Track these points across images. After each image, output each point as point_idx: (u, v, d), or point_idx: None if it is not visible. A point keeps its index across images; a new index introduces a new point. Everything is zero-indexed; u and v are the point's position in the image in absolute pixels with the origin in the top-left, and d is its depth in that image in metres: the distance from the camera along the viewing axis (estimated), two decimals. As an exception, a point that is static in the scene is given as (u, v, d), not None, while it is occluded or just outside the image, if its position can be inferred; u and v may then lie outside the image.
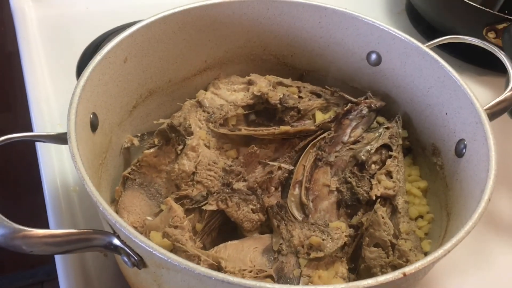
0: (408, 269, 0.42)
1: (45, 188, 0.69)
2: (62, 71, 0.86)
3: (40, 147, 0.72)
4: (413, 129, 0.70)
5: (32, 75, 0.85)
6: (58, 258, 0.62)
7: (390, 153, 0.66)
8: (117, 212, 0.63)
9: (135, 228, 0.61)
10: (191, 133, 0.66)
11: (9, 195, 1.59)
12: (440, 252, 0.43)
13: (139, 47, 0.65)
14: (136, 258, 0.45)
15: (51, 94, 0.82)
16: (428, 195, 0.67)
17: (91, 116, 0.57)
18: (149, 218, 0.62)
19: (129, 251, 0.45)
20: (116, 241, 0.46)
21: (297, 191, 0.63)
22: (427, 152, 0.68)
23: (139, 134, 0.69)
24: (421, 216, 0.65)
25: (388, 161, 0.65)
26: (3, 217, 0.43)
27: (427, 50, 0.65)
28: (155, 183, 0.65)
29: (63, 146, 0.52)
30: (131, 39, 0.63)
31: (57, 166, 0.71)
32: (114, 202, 0.64)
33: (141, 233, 0.60)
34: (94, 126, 0.58)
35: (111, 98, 0.62)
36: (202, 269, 0.41)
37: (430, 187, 0.67)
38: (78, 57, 0.88)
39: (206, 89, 0.75)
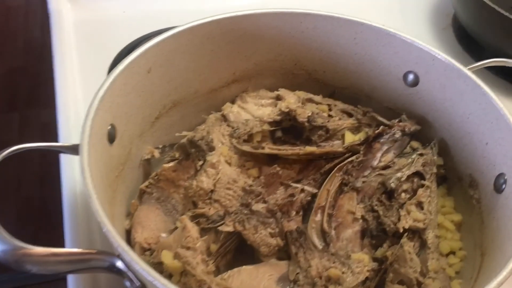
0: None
1: (64, 202, 0.67)
2: (93, 76, 0.85)
3: (64, 158, 0.71)
4: (450, 157, 0.65)
5: (62, 78, 0.85)
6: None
7: (422, 182, 0.61)
8: (131, 226, 0.61)
9: (149, 244, 0.60)
10: (213, 148, 0.64)
11: (21, 209, 1.61)
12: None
13: (165, 57, 0.63)
14: (137, 284, 0.43)
15: (80, 99, 0.81)
16: (462, 230, 0.62)
17: (109, 127, 0.56)
18: (164, 235, 0.60)
19: (131, 276, 0.43)
20: (119, 264, 0.44)
21: (319, 217, 0.60)
22: (463, 183, 0.63)
23: (160, 146, 0.67)
24: (453, 253, 0.60)
25: (420, 191, 0.60)
26: (5, 233, 0.42)
27: (469, 73, 0.60)
28: (172, 198, 0.63)
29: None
30: (157, 49, 0.61)
31: (78, 179, 0.70)
32: (129, 215, 0.62)
33: (154, 251, 0.59)
34: (111, 138, 0.56)
35: (133, 109, 0.61)
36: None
37: (465, 222, 0.62)
38: (110, 62, 0.87)
39: (233, 102, 0.73)
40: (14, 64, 2.03)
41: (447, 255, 0.60)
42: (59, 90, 0.82)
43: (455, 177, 0.65)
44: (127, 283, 0.44)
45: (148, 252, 0.59)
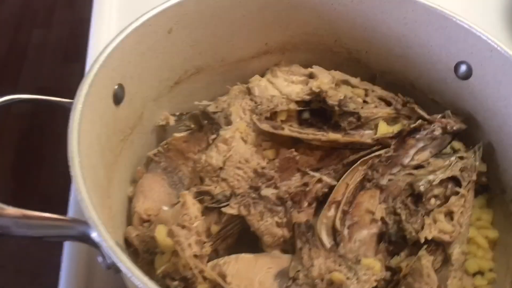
0: None
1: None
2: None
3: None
4: (496, 164, 0.57)
5: (98, 29, 0.82)
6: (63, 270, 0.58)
7: (457, 189, 0.54)
8: (134, 194, 0.58)
9: (148, 216, 0.56)
10: (230, 122, 0.59)
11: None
12: None
13: (189, 18, 0.58)
14: (110, 262, 0.39)
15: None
16: (497, 249, 0.54)
17: (116, 87, 0.52)
18: (165, 208, 0.57)
19: (104, 251, 0.39)
20: (94, 235, 0.40)
21: (332, 212, 0.54)
22: (506, 197, 0.55)
23: (177, 113, 0.63)
24: (482, 273, 0.53)
25: (453, 199, 0.53)
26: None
27: (531, 71, 0.51)
28: (179, 170, 0.59)
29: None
30: (180, 8, 0.56)
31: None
32: (134, 182, 0.59)
33: (152, 223, 0.56)
34: (118, 99, 0.53)
35: (147, 70, 0.57)
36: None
37: (501, 240, 0.54)
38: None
39: (263, 76, 0.67)
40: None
41: (474, 274, 0.53)
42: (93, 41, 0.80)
43: (498, 188, 0.57)
44: (100, 258, 0.40)
45: (146, 223, 0.56)
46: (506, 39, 0.88)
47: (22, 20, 2.07)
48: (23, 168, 1.61)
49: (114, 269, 0.40)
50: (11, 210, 0.39)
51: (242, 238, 0.55)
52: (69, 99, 0.47)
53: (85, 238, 0.40)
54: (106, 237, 0.37)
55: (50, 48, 1.98)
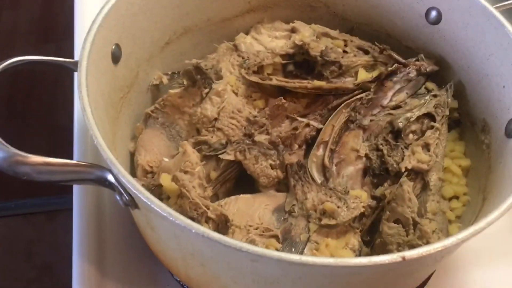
0: (409, 254, 0.37)
1: (75, 117, 0.68)
2: None
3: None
4: (466, 100, 0.62)
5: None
6: (75, 191, 0.62)
7: (432, 123, 0.59)
8: (135, 149, 0.62)
9: (151, 167, 0.61)
10: (221, 77, 0.63)
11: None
12: (450, 240, 0.38)
13: (176, -21, 0.61)
14: (127, 198, 0.44)
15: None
16: (469, 176, 0.60)
17: (113, 47, 0.55)
18: (166, 159, 0.61)
19: (121, 189, 0.44)
20: (110, 178, 0.44)
21: (321, 152, 0.59)
22: (476, 128, 0.61)
23: (169, 72, 0.67)
24: (457, 197, 0.59)
25: (428, 132, 0.59)
26: (3, 141, 0.43)
27: (494, 11, 0.56)
28: (176, 124, 0.63)
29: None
30: (167, -30, 0.59)
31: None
32: (134, 138, 0.63)
33: (155, 174, 0.60)
34: (116, 58, 0.56)
35: (140, 31, 0.60)
36: (184, 220, 0.39)
37: (473, 167, 0.60)
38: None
39: (247, 33, 0.71)
40: None
41: (450, 199, 0.59)
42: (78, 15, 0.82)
43: (469, 122, 0.62)
44: (117, 197, 0.44)
45: (150, 174, 0.60)
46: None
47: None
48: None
49: (131, 204, 0.44)
50: (34, 158, 0.43)
51: (240, 183, 0.59)
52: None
53: (102, 180, 0.44)
54: (124, 173, 0.41)
55: (21, 31, 1.96)
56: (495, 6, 0.59)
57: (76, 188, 0.62)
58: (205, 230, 0.38)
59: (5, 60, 0.47)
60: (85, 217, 0.59)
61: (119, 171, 0.41)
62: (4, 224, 1.49)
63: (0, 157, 0.42)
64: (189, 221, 0.38)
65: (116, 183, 0.44)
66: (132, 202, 0.44)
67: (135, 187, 0.40)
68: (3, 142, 0.43)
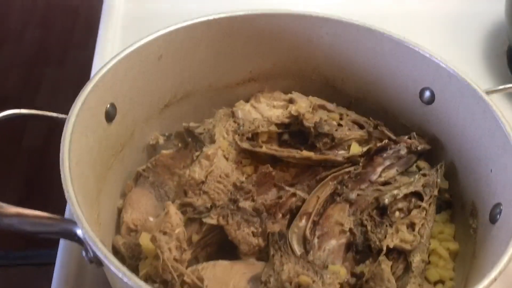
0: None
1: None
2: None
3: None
4: (457, 182, 0.61)
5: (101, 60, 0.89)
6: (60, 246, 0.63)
7: (419, 203, 0.58)
8: (123, 206, 0.63)
9: (135, 226, 0.61)
10: (214, 141, 0.64)
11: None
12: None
13: (178, 46, 0.64)
14: (92, 254, 0.44)
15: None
16: (457, 260, 0.58)
17: (108, 106, 0.58)
18: (151, 219, 0.61)
19: (87, 246, 0.44)
20: (79, 232, 0.45)
21: (303, 223, 0.58)
22: (465, 211, 0.59)
23: (166, 134, 0.69)
24: (442, 282, 0.56)
25: (414, 211, 0.57)
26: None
27: (483, 95, 0.56)
28: (166, 185, 0.64)
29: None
30: (169, 37, 0.63)
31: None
32: (124, 195, 0.64)
33: (137, 232, 0.60)
34: (110, 117, 0.58)
35: (139, 93, 0.63)
36: (137, 282, 0.38)
37: (461, 251, 0.58)
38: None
39: (247, 100, 0.73)
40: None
41: (435, 283, 0.56)
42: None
43: (459, 204, 0.61)
44: (83, 253, 0.45)
45: (133, 233, 0.60)
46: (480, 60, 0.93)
47: (37, 58, 2.17)
48: (31, 200, 1.67)
49: (95, 262, 0.44)
50: (10, 208, 0.44)
51: (222, 247, 0.59)
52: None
53: (71, 235, 0.45)
54: (87, 229, 0.41)
55: (62, 85, 2.08)
56: (487, 89, 0.59)
57: (62, 243, 0.62)
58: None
59: (-2, 113, 0.50)
60: (65, 273, 0.60)
61: (83, 227, 0.42)
62: (20, 272, 1.51)
63: (-25, 204, 0.44)
64: (141, 283, 0.38)
65: (83, 239, 0.44)
66: (96, 259, 0.44)
67: (96, 244, 0.41)
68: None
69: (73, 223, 0.45)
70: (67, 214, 0.66)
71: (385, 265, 0.52)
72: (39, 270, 1.51)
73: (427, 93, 0.64)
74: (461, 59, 0.62)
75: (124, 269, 0.39)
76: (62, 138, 0.48)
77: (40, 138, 1.83)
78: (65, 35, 2.26)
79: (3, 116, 0.49)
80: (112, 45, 0.92)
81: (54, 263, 0.61)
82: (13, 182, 1.73)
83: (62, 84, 2.06)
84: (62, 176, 0.45)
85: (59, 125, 0.55)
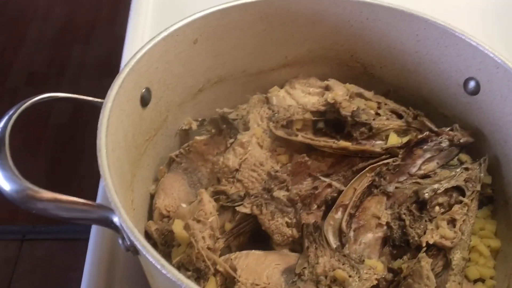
0: None
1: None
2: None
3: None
4: (501, 177, 0.59)
5: (132, 42, 0.88)
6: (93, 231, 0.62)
7: (461, 198, 0.56)
8: (155, 192, 0.62)
9: (168, 212, 0.60)
10: (248, 128, 0.63)
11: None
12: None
13: (213, 30, 0.63)
14: (129, 243, 0.43)
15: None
16: (498, 258, 0.56)
17: (143, 90, 0.57)
18: (184, 205, 0.61)
19: (124, 234, 0.43)
20: (116, 220, 0.44)
21: (339, 215, 0.57)
22: (509, 208, 0.57)
23: (200, 119, 0.67)
24: (482, 280, 0.55)
25: (456, 207, 0.55)
26: (17, 174, 0.44)
27: (534, 87, 0.54)
28: (199, 171, 0.63)
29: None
30: (205, 20, 0.61)
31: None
32: (156, 181, 0.63)
33: (170, 218, 0.59)
34: (145, 101, 0.57)
35: (173, 77, 0.61)
36: (176, 274, 0.38)
37: (503, 249, 0.56)
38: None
39: (281, 87, 0.71)
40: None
41: (475, 281, 0.54)
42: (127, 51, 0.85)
43: (502, 200, 0.59)
44: (120, 241, 0.44)
45: (166, 219, 0.60)
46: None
47: (63, 36, 2.18)
48: (58, 172, 1.69)
49: (132, 250, 0.44)
50: (44, 193, 0.44)
51: (254, 237, 0.58)
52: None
53: (107, 222, 0.44)
54: (125, 218, 0.41)
55: (88, 64, 2.09)
56: (537, 82, 0.56)
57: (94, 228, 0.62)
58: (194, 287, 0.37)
59: (35, 96, 0.49)
60: (97, 256, 0.60)
61: (121, 216, 0.41)
62: (47, 248, 1.54)
63: (13, 189, 0.43)
64: (180, 276, 0.37)
65: (120, 226, 0.44)
66: (133, 248, 0.44)
67: (134, 234, 0.40)
68: (18, 175, 0.44)
69: (110, 210, 0.45)
70: (98, 199, 0.66)
71: (425, 262, 0.50)
72: (65, 244, 1.54)
73: (471, 83, 0.61)
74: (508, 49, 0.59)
75: (163, 261, 0.38)
76: (99, 124, 0.47)
77: (66, 115, 1.84)
78: (92, 12, 2.26)
79: (41, 99, 0.49)
80: (144, 25, 0.91)
81: (80, 239, 0.61)
82: (40, 158, 1.75)
83: (88, 62, 2.07)
84: (99, 163, 0.44)
85: (85, 106, 0.54)
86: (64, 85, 1.96)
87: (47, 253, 1.54)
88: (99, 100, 0.53)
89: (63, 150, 1.77)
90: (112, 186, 0.43)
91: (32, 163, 1.71)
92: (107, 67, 2.06)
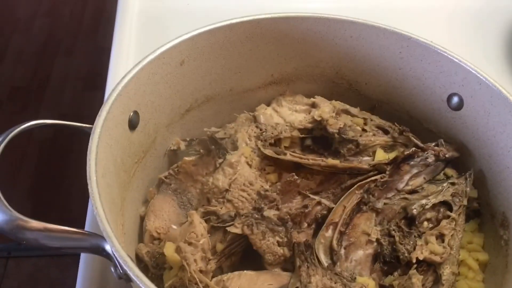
0: None
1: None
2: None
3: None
4: (486, 190, 0.60)
5: (117, 60, 0.87)
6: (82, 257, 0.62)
7: (449, 213, 0.57)
8: (145, 214, 0.62)
9: (158, 234, 0.60)
10: (236, 148, 0.63)
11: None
12: None
13: (200, 51, 0.63)
14: (121, 271, 0.43)
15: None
16: (487, 271, 0.57)
17: (131, 114, 0.57)
18: (174, 226, 0.61)
19: (116, 262, 0.43)
20: (108, 248, 0.44)
21: (329, 233, 0.57)
22: (495, 221, 0.58)
23: (188, 139, 0.68)
24: (472, 294, 0.55)
25: (444, 222, 0.56)
26: (6, 205, 0.44)
27: (516, 103, 0.55)
28: (188, 192, 0.63)
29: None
30: (191, 42, 0.61)
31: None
32: (146, 202, 0.63)
33: (161, 240, 0.59)
34: (133, 125, 0.57)
35: (161, 99, 0.61)
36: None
37: (491, 263, 0.57)
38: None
39: (268, 105, 0.72)
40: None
41: (464, 295, 0.55)
42: (112, 72, 0.85)
43: (489, 213, 0.60)
44: (112, 269, 0.44)
45: (156, 241, 0.60)
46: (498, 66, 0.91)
47: (45, 48, 2.16)
48: (43, 189, 1.67)
49: (125, 278, 0.44)
50: (34, 223, 0.43)
51: (246, 257, 0.58)
52: (90, 124, 0.51)
53: (99, 250, 0.44)
54: (118, 248, 0.41)
55: (71, 76, 2.07)
56: (518, 97, 0.57)
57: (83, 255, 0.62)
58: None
59: (23, 124, 0.49)
60: (88, 279, 0.59)
61: (114, 246, 0.41)
62: (33, 264, 1.52)
63: (3, 220, 0.43)
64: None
65: (112, 254, 0.44)
66: (126, 276, 0.44)
67: (127, 264, 0.40)
68: (7, 205, 0.44)
69: (101, 238, 0.45)
70: (87, 224, 0.65)
71: (416, 279, 0.51)
72: (51, 260, 1.52)
73: (455, 99, 0.62)
74: (482, 56, 0.60)
75: (156, 290, 0.38)
76: (88, 152, 0.47)
77: (51, 130, 1.83)
78: (73, 23, 2.25)
79: (29, 126, 0.49)
80: (129, 37, 0.91)
81: (66, 254, 0.60)
82: (24, 172, 1.73)
83: (72, 74, 2.06)
84: (90, 191, 0.44)
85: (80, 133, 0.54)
86: (47, 98, 1.95)
87: (33, 270, 1.53)
88: (87, 125, 0.53)
89: (47, 165, 1.76)
90: (104, 215, 0.43)
91: (15, 179, 1.69)
92: (91, 79, 2.06)
